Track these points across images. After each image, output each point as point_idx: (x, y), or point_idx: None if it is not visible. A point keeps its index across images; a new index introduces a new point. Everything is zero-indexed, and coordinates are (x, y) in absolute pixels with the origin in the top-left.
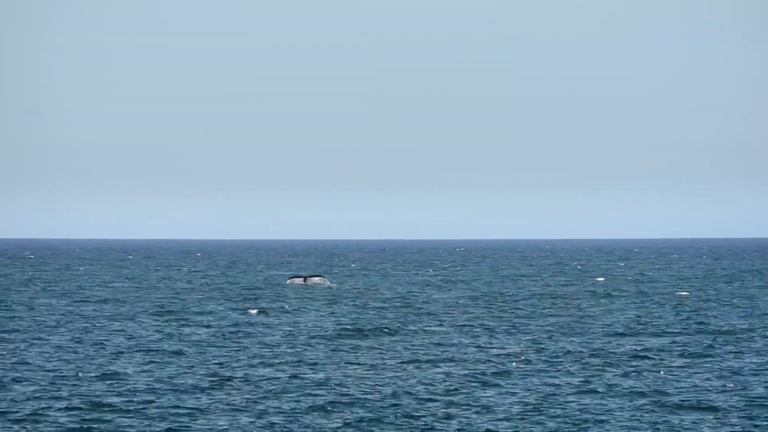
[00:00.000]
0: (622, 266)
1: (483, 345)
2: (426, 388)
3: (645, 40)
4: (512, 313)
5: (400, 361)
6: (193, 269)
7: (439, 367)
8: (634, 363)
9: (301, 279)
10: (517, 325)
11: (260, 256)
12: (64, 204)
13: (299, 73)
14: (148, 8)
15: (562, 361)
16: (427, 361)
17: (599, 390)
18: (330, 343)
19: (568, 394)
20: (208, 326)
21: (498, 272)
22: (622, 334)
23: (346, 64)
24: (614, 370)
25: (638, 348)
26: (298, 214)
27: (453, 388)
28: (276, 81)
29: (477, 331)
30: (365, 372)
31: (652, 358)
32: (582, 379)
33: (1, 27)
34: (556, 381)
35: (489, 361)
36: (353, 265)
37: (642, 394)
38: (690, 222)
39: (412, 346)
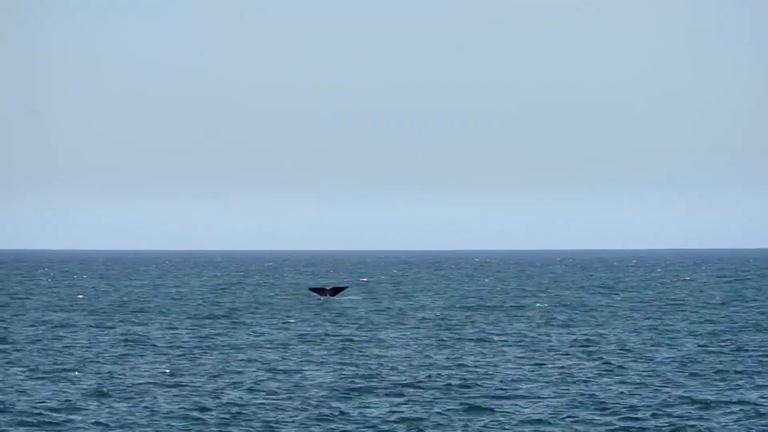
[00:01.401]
0: None
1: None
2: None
3: (647, 40)
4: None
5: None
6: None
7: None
8: None
9: (325, 292)
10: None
11: (281, 267)
12: (63, 207)
13: (313, 76)
14: (149, 9)
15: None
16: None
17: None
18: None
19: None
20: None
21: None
22: None
23: (350, 69)
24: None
25: None
26: (300, 222)
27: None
28: (285, 85)
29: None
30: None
31: None
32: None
33: (1, 27)
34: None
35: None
36: (387, 276)
37: None
38: (689, 230)
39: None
